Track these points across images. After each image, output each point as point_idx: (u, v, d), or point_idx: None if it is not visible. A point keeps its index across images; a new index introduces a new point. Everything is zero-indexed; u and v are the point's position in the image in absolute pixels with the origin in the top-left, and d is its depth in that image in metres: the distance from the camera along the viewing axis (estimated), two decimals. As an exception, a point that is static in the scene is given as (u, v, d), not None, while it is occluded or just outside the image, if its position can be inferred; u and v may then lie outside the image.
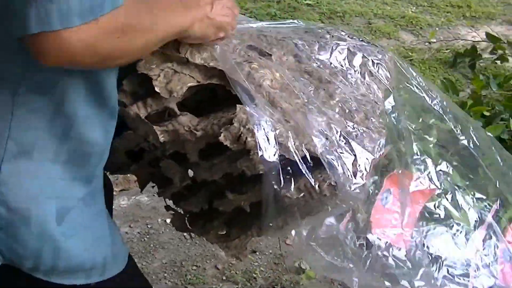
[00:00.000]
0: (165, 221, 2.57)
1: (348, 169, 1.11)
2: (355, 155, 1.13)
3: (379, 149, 1.18)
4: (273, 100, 1.13)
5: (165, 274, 2.36)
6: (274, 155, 1.07)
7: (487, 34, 3.84)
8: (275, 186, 1.08)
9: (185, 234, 2.50)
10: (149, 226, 2.55)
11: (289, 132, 1.09)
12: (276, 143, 1.08)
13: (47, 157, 0.99)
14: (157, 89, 1.09)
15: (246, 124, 1.08)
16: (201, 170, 1.20)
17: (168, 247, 2.46)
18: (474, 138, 1.49)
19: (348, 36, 1.38)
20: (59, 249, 1.02)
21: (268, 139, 1.08)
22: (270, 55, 1.23)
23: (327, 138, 1.12)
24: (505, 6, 4.68)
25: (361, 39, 1.39)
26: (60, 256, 1.02)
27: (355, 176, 1.12)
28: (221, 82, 1.14)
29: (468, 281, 1.39)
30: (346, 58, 1.30)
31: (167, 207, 1.41)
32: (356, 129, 1.17)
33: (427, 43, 3.96)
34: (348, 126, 1.17)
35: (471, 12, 4.48)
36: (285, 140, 1.08)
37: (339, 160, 1.11)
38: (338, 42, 1.33)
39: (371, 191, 1.32)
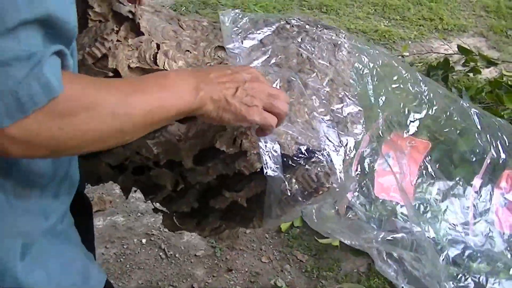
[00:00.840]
0: (141, 241, 2.56)
1: (338, 156, 1.16)
2: (341, 141, 1.18)
3: (362, 129, 1.23)
4: None
5: (142, 295, 2.36)
6: (277, 165, 1.10)
7: (459, 47, 3.88)
8: (281, 188, 1.12)
9: (160, 254, 2.50)
10: (125, 246, 2.54)
11: (280, 128, 1.12)
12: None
13: (0, 195, 0.96)
14: None
15: (239, 127, 1.12)
16: (196, 175, 1.22)
17: (144, 268, 2.46)
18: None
19: (307, 24, 1.40)
20: (21, 285, 1.00)
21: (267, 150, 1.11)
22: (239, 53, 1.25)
23: (313, 128, 1.16)
24: (477, 18, 4.73)
25: (318, 24, 1.42)
26: None
27: (343, 161, 1.16)
28: None
29: (468, 228, 1.49)
30: (309, 45, 1.33)
31: (155, 209, 1.43)
32: (335, 115, 1.21)
33: (400, 57, 4.00)
34: (329, 113, 1.21)
35: (443, 24, 4.54)
36: (278, 137, 1.12)
37: (329, 148, 1.15)
38: (299, 30, 1.36)
39: (370, 158, 1.38)
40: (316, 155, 1.14)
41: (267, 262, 2.49)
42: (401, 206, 1.40)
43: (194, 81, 0.96)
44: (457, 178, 1.53)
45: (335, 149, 1.16)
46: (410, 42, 4.26)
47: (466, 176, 1.54)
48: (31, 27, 0.77)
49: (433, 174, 1.50)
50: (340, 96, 1.26)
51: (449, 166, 1.53)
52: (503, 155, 1.60)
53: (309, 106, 1.20)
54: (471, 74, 3.81)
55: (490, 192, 1.57)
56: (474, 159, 1.57)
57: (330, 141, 1.16)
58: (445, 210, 1.48)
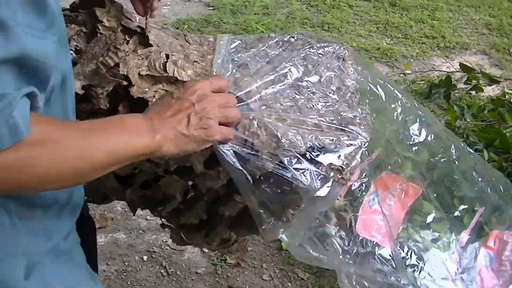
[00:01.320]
0: (142, 258, 2.56)
1: (346, 154, 1.18)
2: (350, 144, 1.20)
3: (370, 133, 1.24)
4: (266, 103, 1.19)
5: (142, 313, 2.35)
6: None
7: (461, 65, 3.88)
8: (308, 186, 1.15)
9: (161, 271, 2.50)
10: (126, 263, 2.54)
11: (290, 128, 1.15)
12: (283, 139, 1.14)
13: (3, 215, 0.96)
14: None
15: (250, 127, 1.14)
16: (206, 180, 1.24)
17: (145, 285, 2.45)
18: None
19: (310, 38, 1.42)
20: None
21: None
22: (247, 64, 1.27)
23: (322, 130, 1.19)
24: (479, 35, 4.75)
25: (322, 39, 1.44)
26: None
27: (351, 162, 1.19)
28: None
29: (447, 283, 1.45)
30: (315, 56, 1.35)
31: (163, 225, 1.45)
32: (344, 118, 1.23)
33: (402, 75, 4.01)
34: (337, 117, 1.23)
35: (446, 42, 4.55)
36: (288, 136, 1.14)
37: (340, 147, 1.18)
38: (303, 43, 1.38)
39: (358, 193, 1.38)
40: (324, 154, 1.16)
41: (268, 280, 2.48)
42: (380, 248, 1.38)
43: (149, 124, 0.97)
44: (444, 229, 1.49)
45: (338, 151, 1.18)
46: (412, 60, 4.27)
47: (453, 228, 1.50)
48: (5, 66, 0.77)
49: (419, 222, 1.47)
50: (347, 102, 1.28)
51: (438, 213, 1.49)
52: (493, 214, 1.57)
53: (317, 109, 1.22)
54: (473, 92, 3.81)
55: (476, 250, 1.52)
56: (463, 208, 1.53)
57: (339, 142, 1.18)
58: (427, 260, 1.44)
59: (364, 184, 1.37)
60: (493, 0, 5.28)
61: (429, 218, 1.48)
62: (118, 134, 0.93)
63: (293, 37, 1.39)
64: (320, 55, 1.36)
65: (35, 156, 0.82)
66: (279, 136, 1.14)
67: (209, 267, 2.53)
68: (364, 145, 1.21)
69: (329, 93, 1.28)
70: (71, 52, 1.21)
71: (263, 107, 1.18)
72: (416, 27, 4.76)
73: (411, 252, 1.42)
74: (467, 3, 5.25)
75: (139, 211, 2.74)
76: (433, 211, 1.48)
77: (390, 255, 1.37)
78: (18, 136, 0.79)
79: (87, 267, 1.19)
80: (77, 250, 1.17)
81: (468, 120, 3.34)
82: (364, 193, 1.38)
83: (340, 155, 1.17)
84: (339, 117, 1.22)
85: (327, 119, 1.21)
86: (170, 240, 2.60)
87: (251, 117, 1.15)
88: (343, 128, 1.21)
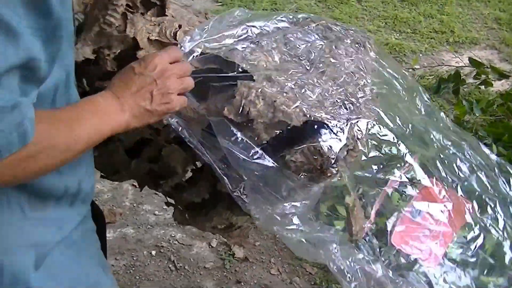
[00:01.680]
0: (150, 253, 2.57)
1: (343, 134, 1.17)
2: (351, 122, 1.18)
3: (374, 115, 1.23)
4: (270, 77, 1.18)
5: (151, 307, 2.36)
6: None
7: (470, 60, 3.86)
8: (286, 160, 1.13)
9: (170, 265, 2.50)
10: (134, 258, 2.55)
11: (289, 101, 1.14)
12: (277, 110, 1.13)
13: (16, 207, 0.99)
14: None
15: (248, 96, 1.14)
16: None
17: (154, 279, 2.46)
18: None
19: (330, 23, 1.42)
20: None
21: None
22: (260, 43, 1.27)
23: (325, 107, 1.18)
24: (489, 30, 4.73)
25: (343, 26, 1.44)
26: None
27: (353, 141, 1.18)
28: (218, 66, 1.19)
29: None
30: (332, 41, 1.34)
31: (167, 203, 1.48)
32: (350, 97, 1.23)
33: (410, 70, 3.99)
34: (342, 95, 1.22)
35: (455, 37, 4.53)
36: (286, 107, 1.13)
37: (337, 124, 1.16)
38: (323, 28, 1.38)
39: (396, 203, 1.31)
40: (323, 130, 1.15)
41: (276, 275, 2.48)
42: (419, 265, 1.30)
43: (117, 103, 1.02)
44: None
45: (341, 130, 1.17)
46: (421, 55, 4.26)
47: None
48: (13, 72, 0.81)
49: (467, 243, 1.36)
50: (358, 85, 1.27)
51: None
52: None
53: (324, 88, 1.21)
54: (482, 87, 3.79)
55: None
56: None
57: (338, 121, 1.17)
58: None
59: (404, 192, 1.33)
60: (503, -5, 5.26)
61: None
62: (94, 119, 0.98)
63: (313, 21, 1.39)
64: (340, 37, 1.35)
65: (33, 155, 0.88)
66: (276, 106, 1.13)
67: (217, 261, 2.53)
68: (366, 127, 1.20)
69: (342, 74, 1.27)
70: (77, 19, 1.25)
71: (266, 81, 1.18)
72: (425, 22, 4.75)
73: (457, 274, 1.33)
74: (477, -3, 5.23)
75: (147, 207, 2.76)
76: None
77: (434, 275, 1.31)
78: (26, 141, 0.84)
79: (100, 256, 1.21)
80: (92, 238, 1.19)
81: (477, 115, 3.32)
82: (404, 202, 1.32)
83: (337, 133, 1.16)
84: (345, 96, 1.22)
85: (332, 96, 1.20)
86: (179, 235, 2.62)
87: (250, 86, 1.15)
88: (346, 106, 1.20)
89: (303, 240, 1.23)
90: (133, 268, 2.51)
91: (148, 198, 2.82)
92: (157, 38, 1.22)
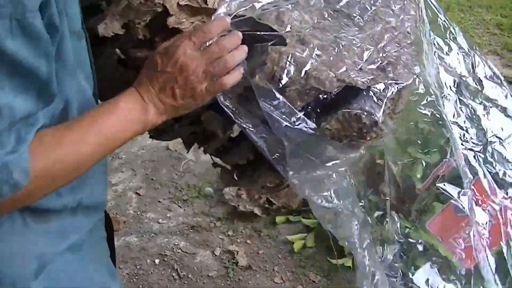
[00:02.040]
0: (154, 261, 2.57)
1: (381, 97, 1.13)
2: (388, 84, 1.15)
3: (413, 74, 1.19)
4: (303, 38, 1.15)
5: (154, 316, 2.36)
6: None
7: (472, 66, 3.86)
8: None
9: (173, 274, 2.50)
10: (138, 267, 2.55)
11: (323, 65, 1.12)
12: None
13: (18, 218, 0.99)
14: None
15: (279, 62, 1.11)
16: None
17: (157, 288, 2.47)
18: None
19: None
20: None
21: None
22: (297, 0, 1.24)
23: (361, 69, 1.14)
24: (491, 36, 4.73)
25: None
26: None
27: (392, 104, 1.15)
28: (251, 29, 1.15)
29: None
30: None
31: (214, 164, 1.50)
32: (389, 57, 1.19)
33: (413, 76, 3.99)
34: (381, 55, 1.18)
35: (457, 43, 4.53)
36: (318, 73, 1.11)
37: (374, 88, 1.13)
38: None
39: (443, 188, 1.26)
40: (359, 95, 1.12)
41: (280, 283, 2.48)
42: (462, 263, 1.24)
43: (140, 105, 1.02)
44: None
45: (378, 94, 1.13)
46: (423, 61, 4.25)
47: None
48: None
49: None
50: (399, 43, 1.23)
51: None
52: None
53: (362, 47, 1.17)
54: (484, 93, 3.78)
55: None
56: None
57: (375, 85, 1.13)
58: None
59: (455, 180, 1.25)
60: (505, 0, 5.25)
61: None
62: (112, 127, 0.98)
63: None
64: None
65: (33, 192, 0.90)
66: (308, 72, 1.10)
67: (221, 270, 2.53)
68: (400, 89, 1.14)
69: (382, 31, 1.22)
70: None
71: (299, 43, 1.14)
72: (427, 28, 4.74)
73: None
74: (479, 3, 5.22)
75: (151, 215, 2.77)
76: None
77: (465, 272, 1.25)
78: (18, 189, 0.85)
79: (108, 264, 1.21)
80: (101, 245, 1.20)
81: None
82: (455, 191, 1.25)
83: (373, 98, 1.13)
84: (383, 56, 1.18)
85: (370, 57, 1.16)
86: (182, 243, 2.62)
87: (281, 51, 1.12)
88: (383, 68, 1.16)
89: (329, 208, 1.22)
90: (137, 277, 2.51)
91: (152, 206, 2.82)
92: (187, 3, 1.20)
